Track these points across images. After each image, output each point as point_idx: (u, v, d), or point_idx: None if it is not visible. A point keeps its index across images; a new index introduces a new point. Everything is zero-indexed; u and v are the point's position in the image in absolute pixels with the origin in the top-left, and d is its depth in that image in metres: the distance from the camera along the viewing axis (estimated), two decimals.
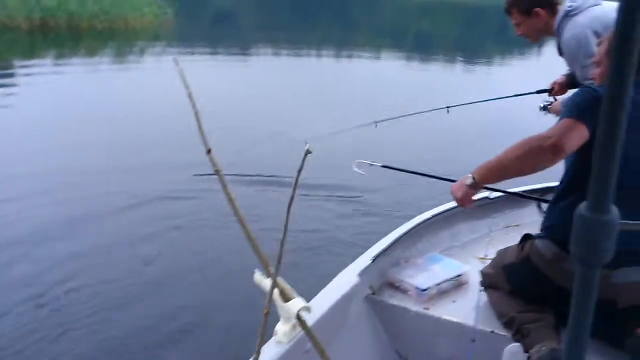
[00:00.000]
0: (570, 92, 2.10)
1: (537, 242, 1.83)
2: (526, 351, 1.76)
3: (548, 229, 1.83)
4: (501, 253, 2.06)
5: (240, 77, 10.24)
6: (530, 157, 1.67)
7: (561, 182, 1.85)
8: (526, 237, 1.93)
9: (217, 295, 3.07)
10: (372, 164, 2.49)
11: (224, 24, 23.19)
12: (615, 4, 2.24)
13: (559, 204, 1.81)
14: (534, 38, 2.75)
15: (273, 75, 10.78)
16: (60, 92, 8.08)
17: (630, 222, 1.60)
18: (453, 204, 2.60)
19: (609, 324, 1.78)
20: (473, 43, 20.38)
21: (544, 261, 1.79)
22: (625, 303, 1.73)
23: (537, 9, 2.63)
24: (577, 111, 1.67)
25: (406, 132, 4.95)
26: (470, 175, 1.82)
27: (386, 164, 2.52)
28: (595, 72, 1.88)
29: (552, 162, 1.67)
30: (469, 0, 42.28)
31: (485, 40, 18.70)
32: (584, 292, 0.66)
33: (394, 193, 4.39)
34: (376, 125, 3.33)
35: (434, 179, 2.46)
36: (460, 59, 15.73)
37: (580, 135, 1.63)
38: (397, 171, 2.53)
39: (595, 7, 2.61)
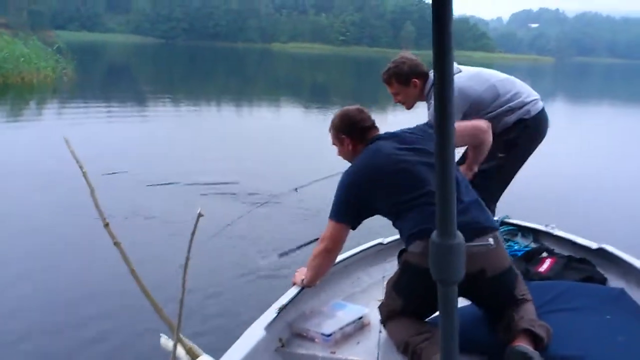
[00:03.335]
0: None
1: (409, 247, 2.08)
2: None
3: (410, 237, 2.07)
4: (388, 279, 2.28)
5: (138, 131, 10.14)
6: (318, 262, 2.29)
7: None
8: (401, 252, 2.19)
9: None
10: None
11: (124, 79, 22.84)
12: (477, 69, 2.68)
13: (405, 216, 2.10)
14: (410, 105, 3.07)
15: (172, 128, 10.77)
16: None
17: (474, 244, 1.88)
18: (351, 252, 2.82)
19: (491, 314, 2.07)
20: (365, 93, 21.42)
21: (418, 257, 2.01)
22: (492, 271, 2.00)
23: (414, 79, 2.95)
24: (335, 213, 2.21)
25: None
26: (302, 279, 2.38)
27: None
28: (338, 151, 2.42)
29: (331, 261, 2.32)
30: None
31: (377, 90, 19.75)
32: (447, 307, 0.78)
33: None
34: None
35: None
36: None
37: (344, 231, 2.22)
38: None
39: (456, 76, 3.02)
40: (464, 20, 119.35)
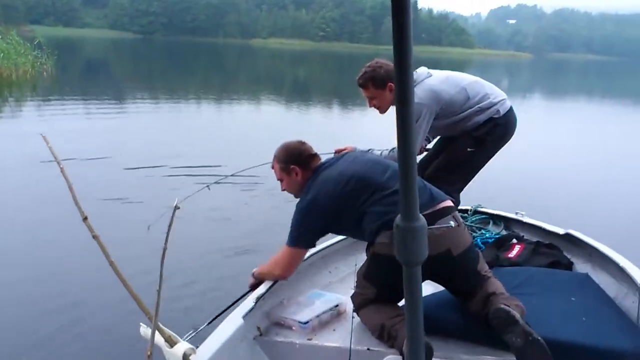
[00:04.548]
0: None
1: (376, 240, 2.14)
2: (400, 353, 1.98)
3: (378, 228, 2.13)
4: (358, 270, 2.34)
5: (120, 125, 10.05)
6: (268, 278, 2.43)
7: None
8: (369, 246, 2.24)
9: (100, 348, 2.97)
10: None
11: (105, 75, 22.69)
12: (447, 73, 2.77)
13: (367, 216, 2.17)
14: (385, 109, 3.13)
15: (151, 122, 10.77)
16: None
17: (435, 226, 1.96)
18: (327, 243, 2.86)
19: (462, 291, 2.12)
20: (346, 89, 21.48)
21: (386, 246, 2.08)
22: (457, 249, 2.08)
23: (390, 83, 3.01)
24: (297, 240, 2.31)
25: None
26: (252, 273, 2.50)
27: None
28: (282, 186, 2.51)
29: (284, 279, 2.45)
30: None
31: (357, 86, 19.76)
32: (412, 286, 0.83)
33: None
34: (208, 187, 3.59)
35: None
36: (336, 104, 16.53)
37: (300, 256, 2.39)
38: None
39: (428, 79, 3.09)
40: (444, 16, 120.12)
